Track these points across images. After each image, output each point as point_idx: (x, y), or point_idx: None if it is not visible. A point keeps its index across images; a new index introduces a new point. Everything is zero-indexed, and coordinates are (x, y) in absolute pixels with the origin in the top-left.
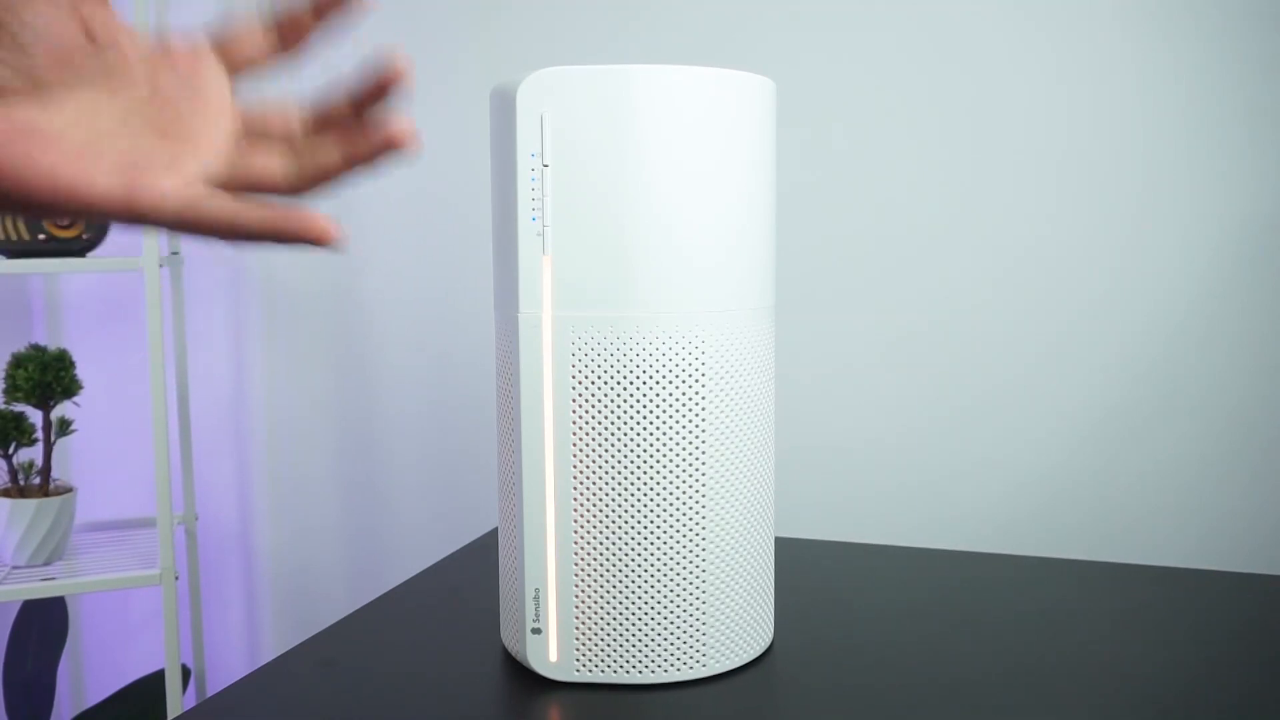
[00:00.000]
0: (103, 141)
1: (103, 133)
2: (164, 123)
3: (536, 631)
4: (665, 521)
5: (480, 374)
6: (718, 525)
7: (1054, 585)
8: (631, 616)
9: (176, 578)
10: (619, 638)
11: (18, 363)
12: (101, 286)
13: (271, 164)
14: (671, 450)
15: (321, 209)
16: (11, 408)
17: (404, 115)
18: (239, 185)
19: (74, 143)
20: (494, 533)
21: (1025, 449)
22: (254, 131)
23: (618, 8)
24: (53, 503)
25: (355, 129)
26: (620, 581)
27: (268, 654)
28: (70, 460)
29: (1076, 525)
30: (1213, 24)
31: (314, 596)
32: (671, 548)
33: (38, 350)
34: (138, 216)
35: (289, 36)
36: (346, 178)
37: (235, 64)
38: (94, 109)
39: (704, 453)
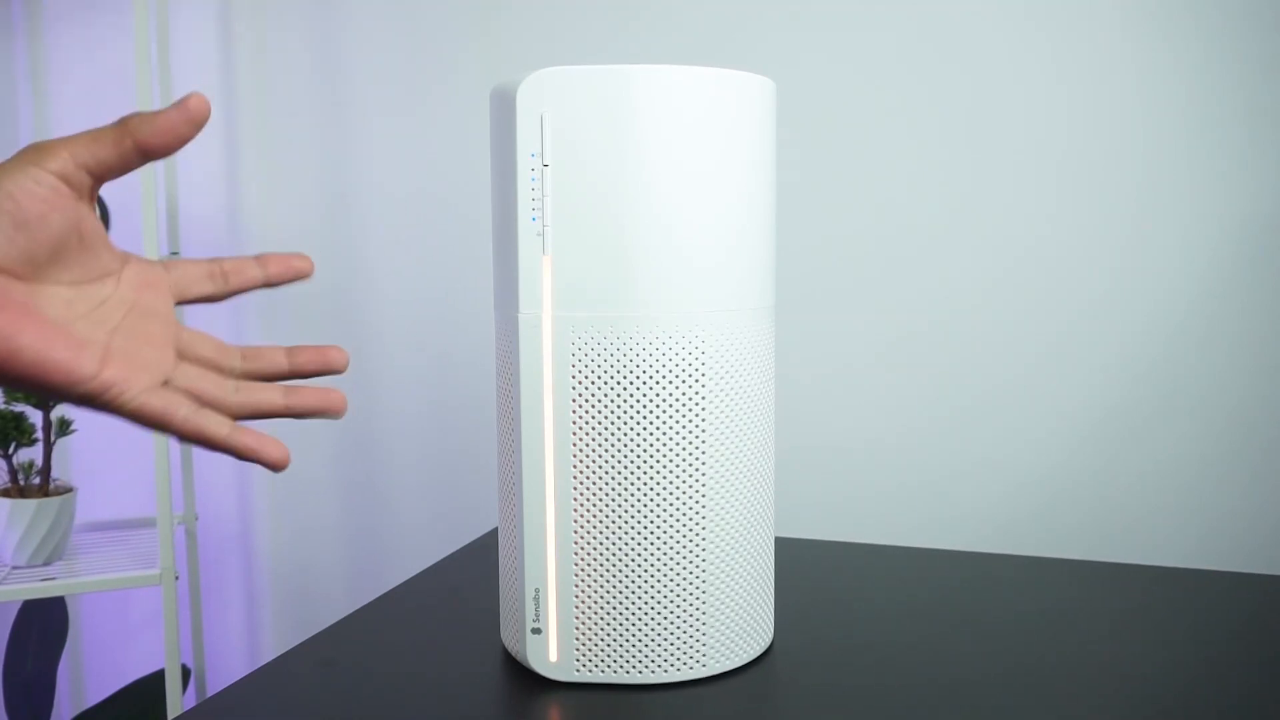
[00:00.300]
0: (86, 332)
1: (86, 325)
2: (128, 327)
3: (536, 631)
4: (665, 521)
5: (480, 374)
6: (718, 525)
7: (1054, 585)
8: (631, 616)
9: (176, 578)
10: (619, 638)
11: None
12: None
13: (207, 387)
14: (671, 450)
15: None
16: (11, 408)
17: (336, 392)
18: (181, 393)
19: (65, 327)
20: (494, 533)
21: (1025, 449)
22: (190, 355)
23: (618, 8)
24: (53, 503)
25: (288, 389)
26: (620, 581)
27: (268, 654)
28: (70, 460)
29: (1076, 525)
30: (1213, 24)
31: (314, 596)
32: (671, 548)
33: None
34: (107, 405)
35: (228, 283)
36: (279, 415)
37: (179, 290)
38: (79, 302)
39: (704, 453)
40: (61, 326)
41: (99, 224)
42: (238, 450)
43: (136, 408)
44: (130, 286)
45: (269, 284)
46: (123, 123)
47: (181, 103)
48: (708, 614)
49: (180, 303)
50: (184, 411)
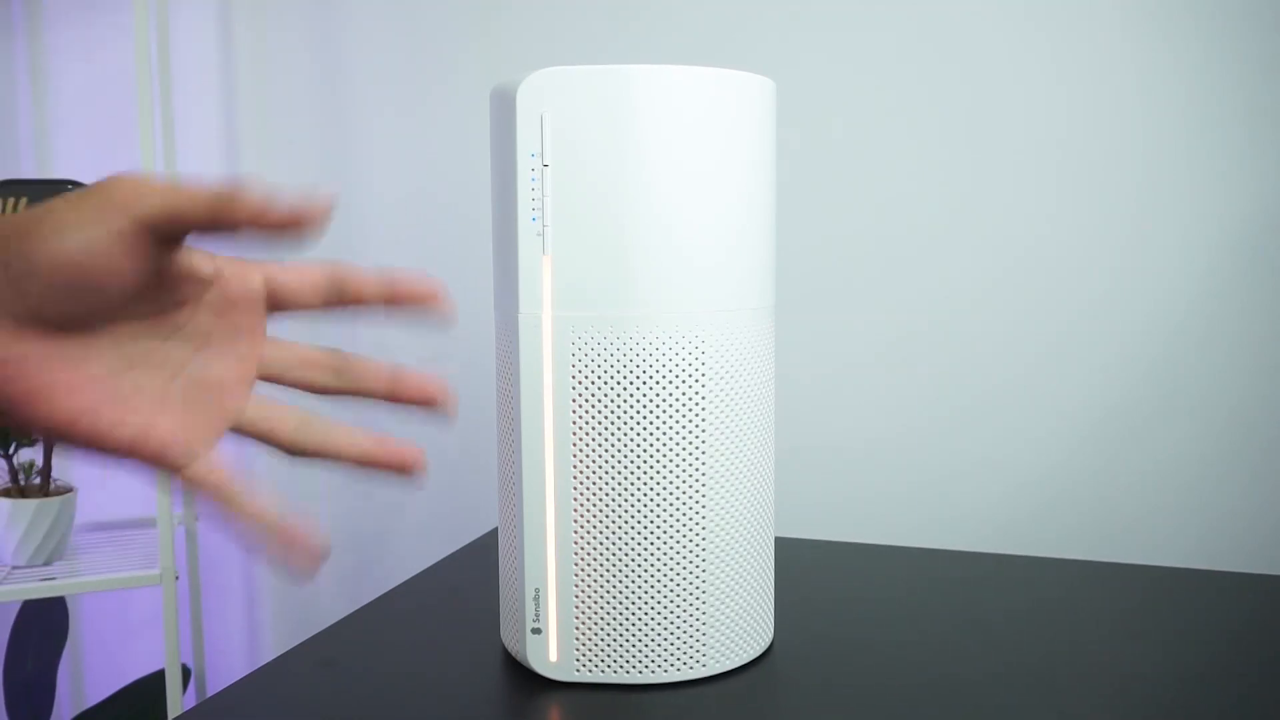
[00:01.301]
0: (144, 384)
1: (143, 376)
2: (198, 371)
3: (536, 631)
4: (665, 521)
5: (480, 374)
6: (718, 525)
7: (1054, 585)
8: (631, 616)
9: (176, 578)
10: (619, 638)
11: None
12: None
13: (283, 421)
14: (671, 450)
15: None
16: None
17: (420, 452)
18: (245, 432)
19: (102, 388)
20: (494, 533)
21: (1025, 449)
22: (275, 374)
23: (618, 8)
24: (53, 503)
25: (373, 438)
26: (620, 581)
27: (268, 654)
28: (70, 460)
29: (1076, 525)
30: (1213, 24)
31: (314, 596)
32: (671, 548)
33: None
34: (159, 466)
35: (348, 299)
36: (345, 466)
37: (280, 301)
38: (139, 353)
39: (704, 453)
40: (109, 385)
41: (181, 259)
42: (273, 535)
43: (191, 476)
44: (210, 312)
45: (395, 305)
46: (230, 194)
47: (308, 200)
48: (708, 614)
49: (279, 311)
50: (238, 486)
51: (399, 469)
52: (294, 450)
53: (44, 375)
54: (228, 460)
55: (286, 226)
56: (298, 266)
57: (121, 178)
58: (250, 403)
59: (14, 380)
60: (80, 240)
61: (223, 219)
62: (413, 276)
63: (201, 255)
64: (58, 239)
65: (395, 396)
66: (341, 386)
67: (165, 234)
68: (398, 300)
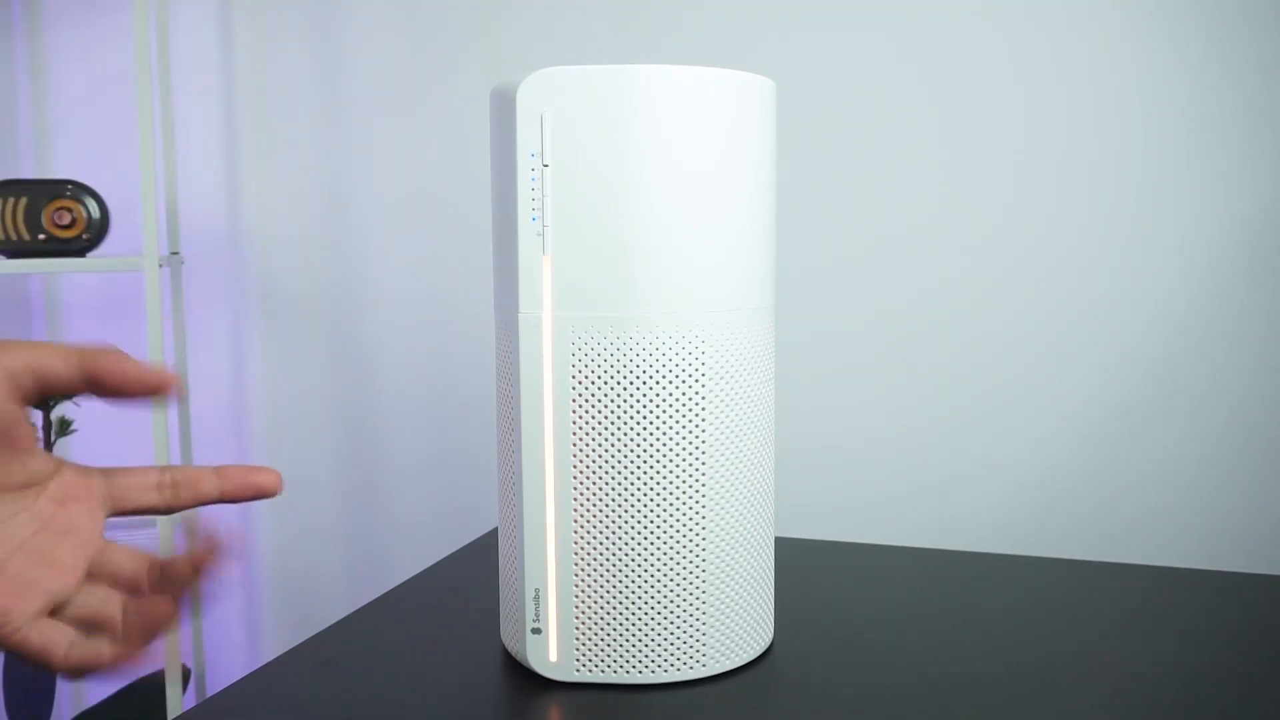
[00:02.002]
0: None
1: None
2: (33, 546)
3: (536, 631)
4: (665, 521)
5: (480, 374)
6: (718, 525)
7: (1054, 585)
8: (631, 616)
9: None
10: (619, 638)
11: None
12: (101, 286)
13: (110, 609)
14: (671, 450)
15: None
16: None
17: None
18: (79, 619)
19: None
20: (494, 533)
21: (1025, 449)
22: (106, 572)
23: (618, 8)
24: None
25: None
26: (620, 581)
27: (268, 654)
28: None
29: (1076, 525)
30: (1213, 24)
31: (314, 596)
32: (671, 548)
33: None
34: None
35: (184, 495)
36: (166, 628)
37: (117, 504)
38: None
39: (704, 453)
40: None
41: (32, 430)
42: (123, 670)
43: (16, 642)
44: (52, 499)
45: (225, 500)
46: (94, 354)
47: (157, 373)
48: (708, 614)
49: (118, 513)
50: (64, 649)
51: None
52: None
53: None
54: (47, 629)
55: (144, 392)
56: (135, 470)
57: None
58: (77, 591)
59: None
60: None
61: (88, 378)
62: (244, 471)
63: (43, 454)
64: None
65: (229, 496)
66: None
67: (26, 387)
68: (233, 496)
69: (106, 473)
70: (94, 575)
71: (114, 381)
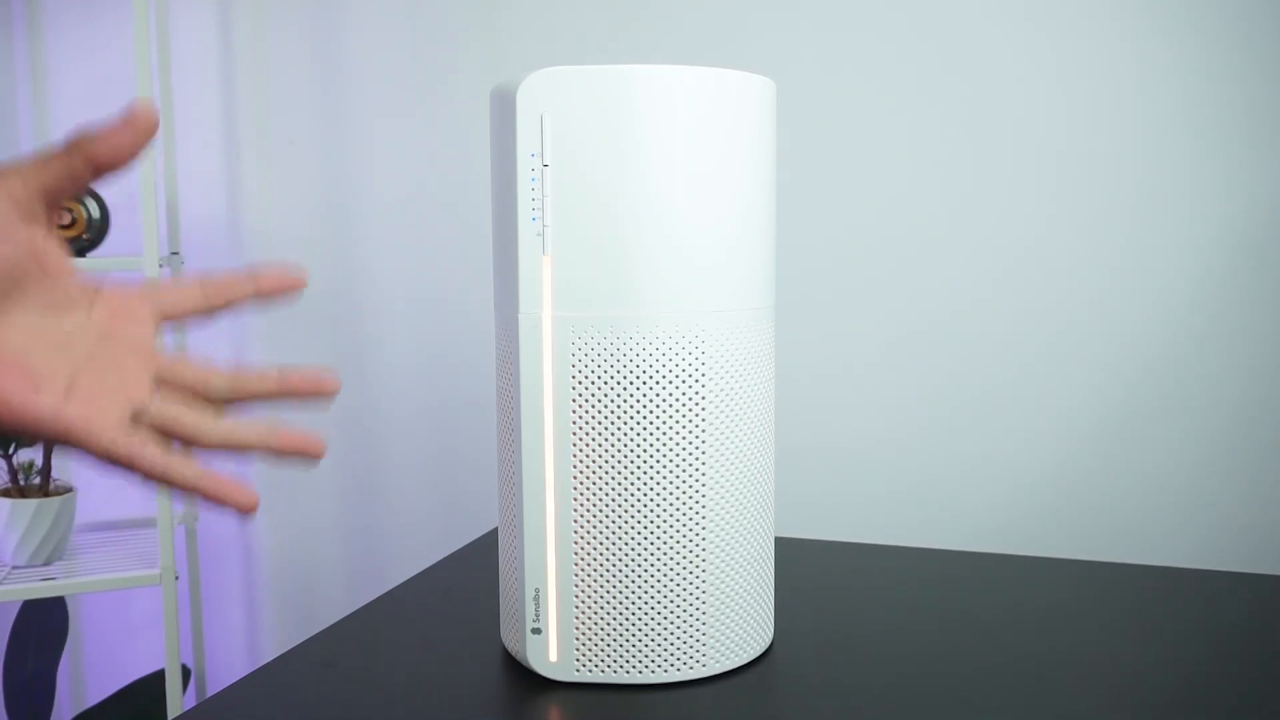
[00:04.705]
0: (49, 365)
1: (50, 357)
2: (100, 357)
3: (536, 631)
4: (665, 521)
5: (480, 374)
6: (718, 525)
7: (1054, 585)
8: (631, 616)
9: (176, 578)
10: (619, 638)
11: None
12: None
13: (183, 415)
14: (671, 450)
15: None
16: None
17: (319, 435)
18: (156, 428)
19: (23, 361)
20: (494, 533)
21: (1025, 449)
22: (171, 382)
23: (618, 8)
24: (53, 503)
25: (270, 429)
26: (620, 581)
27: (268, 654)
28: (70, 460)
29: (1076, 525)
30: (1213, 24)
31: (314, 596)
32: (671, 548)
33: None
34: (70, 441)
35: (219, 299)
36: (255, 458)
37: (164, 313)
38: (43, 333)
39: (704, 453)
40: (17, 359)
41: (61, 252)
42: (205, 493)
43: (104, 450)
44: (104, 315)
45: (261, 297)
46: (71, 143)
47: (128, 114)
48: (708, 614)
49: (167, 321)
50: (150, 454)
51: (301, 453)
52: (197, 443)
53: None
54: (132, 439)
55: (126, 142)
56: (173, 281)
57: None
58: (151, 399)
59: None
60: None
61: (74, 162)
62: (274, 267)
63: (80, 273)
64: None
65: (286, 392)
66: (236, 394)
67: (31, 208)
68: (263, 292)
69: (150, 289)
70: (162, 382)
71: (107, 146)
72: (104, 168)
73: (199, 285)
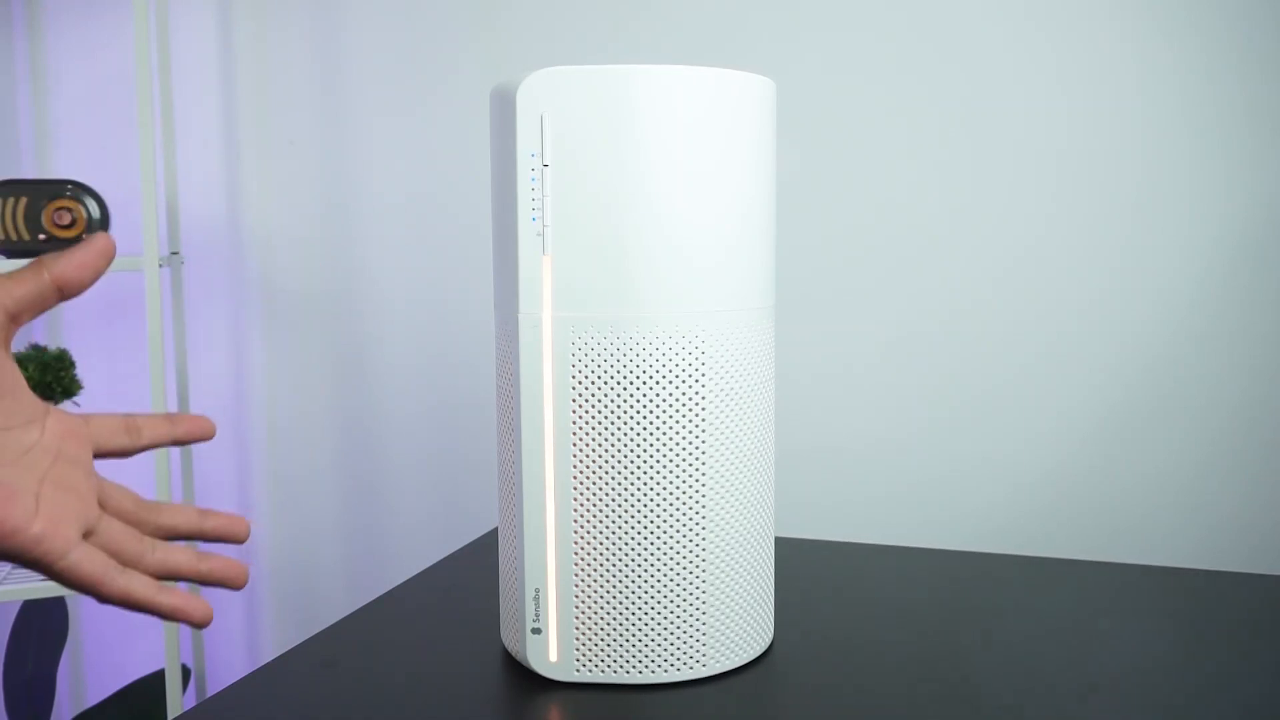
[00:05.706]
0: (19, 479)
1: (19, 470)
2: (54, 475)
3: (536, 631)
4: (665, 521)
5: (480, 374)
6: (718, 525)
7: (1054, 585)
8: (631, 616)
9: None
10: (619, 638)
11: (18, 363)
12: (101, 286)
13: (128, 542)
14: (671, 450)
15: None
16: None
17: (242, 564)
18: (101, 548)
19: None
20: (494, 533)
21: (1025, 449)
22: (107, 506)
23: (618, 8)
24: None
25: (200, 554)
26: (620, 581)
27: (268, 654)
28: None
29: (1076, 525)
30: (1213, 24)
31: (314, 596)
32: (671, 548)
33: (37, 350)
34: (38, 560)
35: (145, 438)
36: (188, 579)
37: (95, 442)
38: (10, 446)
39: (704, 453)
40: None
41: (16, 369)
42: (163, 611)
43: (68, 566)
44: (54, 435)
45: (177, 442)
46: (38, 263)
47: (90, 241)
48: (708, 614)
49: (96, 456)
50: (113, 574)
51: (223, 583)
52: (136, 566)
53: None
54: (93, 555)
55: (90, 265)
56: (103, 416)
57: None
58: (99, 519)
59: None
60: None
61: (42, 281)
62: (189, 417)
63: (31, 393)
64: None
65: (202, 534)
66: (158, 527)
67: (5, 328)
68: (179, 439)
69: (84, 418)
70: (103, 507)
71: (76, 270)
72: (68, 288)
73: (124, 421)
